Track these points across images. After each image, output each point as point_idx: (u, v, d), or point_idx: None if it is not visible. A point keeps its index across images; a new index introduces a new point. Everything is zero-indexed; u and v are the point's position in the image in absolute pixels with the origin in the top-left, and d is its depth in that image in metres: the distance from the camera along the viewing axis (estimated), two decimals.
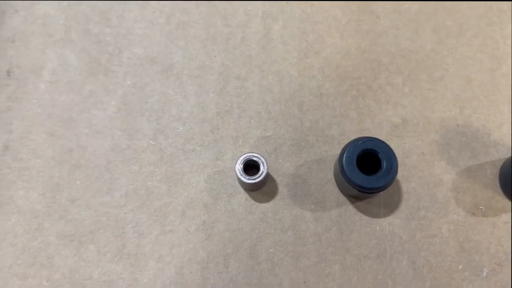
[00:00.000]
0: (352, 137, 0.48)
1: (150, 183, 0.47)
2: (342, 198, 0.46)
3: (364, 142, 0.42)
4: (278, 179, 0.47)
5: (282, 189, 0.47)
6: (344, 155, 0.42)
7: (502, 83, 0.50)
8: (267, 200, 0.46)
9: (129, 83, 0.50)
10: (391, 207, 0.46)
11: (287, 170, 0.47)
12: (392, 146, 0.47)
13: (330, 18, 0.52)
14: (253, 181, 0.43)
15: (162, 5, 0.53)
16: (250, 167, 0.45)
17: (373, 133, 0.48)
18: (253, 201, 0.46)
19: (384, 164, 0.42)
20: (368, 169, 0.43)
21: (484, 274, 0.44)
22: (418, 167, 0.47)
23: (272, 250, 0.45)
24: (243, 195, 0.46)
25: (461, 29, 0.52)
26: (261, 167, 0.44)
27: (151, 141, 0.48)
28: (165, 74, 0.50)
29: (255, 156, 0.44)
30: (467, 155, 0.47)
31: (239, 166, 0.44)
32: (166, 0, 0.53)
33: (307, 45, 0.51)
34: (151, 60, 0.51)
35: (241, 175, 0.43)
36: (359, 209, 0.46)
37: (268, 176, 0.46)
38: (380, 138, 0.47)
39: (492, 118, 0.48)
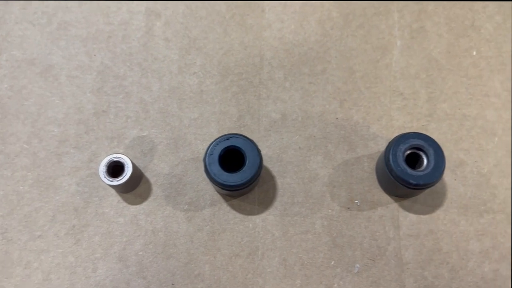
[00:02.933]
0: None
1: (21, 188, 0.46)
2: (217, 196, 0.45)
3: (227, 139, 0.41)
4: (152, 180, 0.46)
5: (156, 190, 0.46)
6: (207, 152, 0.41)
7: (385, 73, 0.49)
8: (140, 202, 0.45)
9: (6, 86, 0.49)
10: (266, 203, 0.45)
11: (162, 170, 0.46)
12: (269, 142, 0.47)
13: (214, 13, 0.51)
14: (116, 183, 0.42)
15: (45, 5, 0.52)
16: (119, 168, 0.44)
17: (251, 129, 0.47)
18: (125, 203, 0.45)
19: (248, 160, 0.41)
20: (235, 166, 0.42)
21: (356, 269, 0.43)
22: (294, 162, 0.46)
23: (141, 252, 0.44)
24: (115, 197, 0.45)
25: (346, 19, 0.51)
26: (125, 168, 0.43)
27: (25, 145, 0.47)
28: (43, 75, 0.49)
29: (118, 157, 0.43)
30: (345, 148, 0.46)
31: (102, 168, 0.43)
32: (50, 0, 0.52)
33: (189, 41, 0.50)
34: (30, 62, 0.50)
35: (105, 177, 0.42)
36: (233, 207, 0.45)
37: (139, 176, 0.45)
38: (258, 134, 0.47)
39: (372, 111, 0.48)
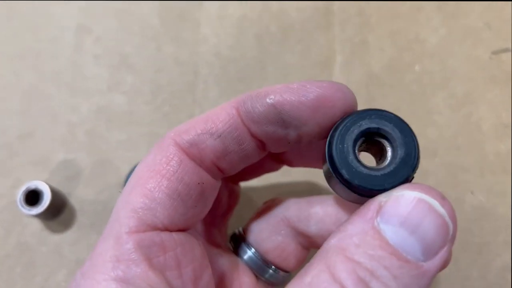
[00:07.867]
0: None
1: None
2: None
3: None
4: (77, 206, 0.44)
5: (80, 217, 0.44)
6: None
7: None
8: (64, 230, 0.43)
9: None
10: None
11: (88, 196, 0.44)
12: None
13: (148, 28, 0.49)
14: (35, 213, 0.40)
15: None
16: (39, 196, 0.42)
17: None
18: (48, 232, 0.43)
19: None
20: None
21: None
22: None
23: (64, 283, 0.42)
24: (38, 225, 0.43)
25: (285, 34, 0.49)
26: (44, 197, 0.41)
27: None
28: None
29: (36, 185, 0.41)
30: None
31: (20, 197, 0.41)
32: None
33: (120, 59, 0.48)
34: None
35: (22, 206, 0.40)
36: None
37: (62, 203, 0.43)
38: None
39: None
